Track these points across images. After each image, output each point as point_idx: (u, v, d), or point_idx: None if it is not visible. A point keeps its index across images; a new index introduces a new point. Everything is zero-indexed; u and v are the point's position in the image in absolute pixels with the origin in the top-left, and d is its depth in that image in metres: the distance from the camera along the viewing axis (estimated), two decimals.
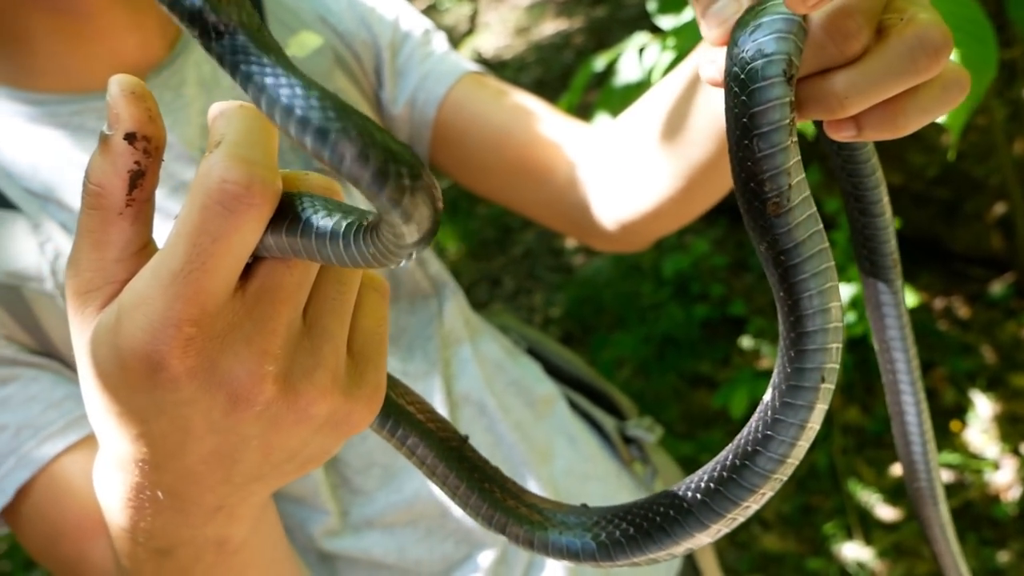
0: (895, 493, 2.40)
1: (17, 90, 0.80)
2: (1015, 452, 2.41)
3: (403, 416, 0.49)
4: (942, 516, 0.65)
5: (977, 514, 2.31)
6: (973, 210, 2.81)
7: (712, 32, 0.42)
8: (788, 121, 0.38)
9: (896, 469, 2.41)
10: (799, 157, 0.38)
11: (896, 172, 2.81)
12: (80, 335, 0.40)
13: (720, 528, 0.42)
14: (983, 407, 2.54)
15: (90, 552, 0.70)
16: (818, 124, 0.49)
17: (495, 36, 5.56)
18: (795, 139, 0.38)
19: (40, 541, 0.73)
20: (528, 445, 0.96)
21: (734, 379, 2.46)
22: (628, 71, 1.28)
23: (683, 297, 3.19)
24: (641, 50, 1.28)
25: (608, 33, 4.83)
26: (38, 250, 0.75)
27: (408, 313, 0.97)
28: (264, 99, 0.34)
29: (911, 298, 2.07)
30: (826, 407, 0.39)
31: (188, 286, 0.35)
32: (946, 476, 2.40)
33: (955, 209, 2.83)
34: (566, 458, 0.99)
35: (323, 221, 0.36)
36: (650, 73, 1.23)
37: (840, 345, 0.39)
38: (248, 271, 0.38)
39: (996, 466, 2.41)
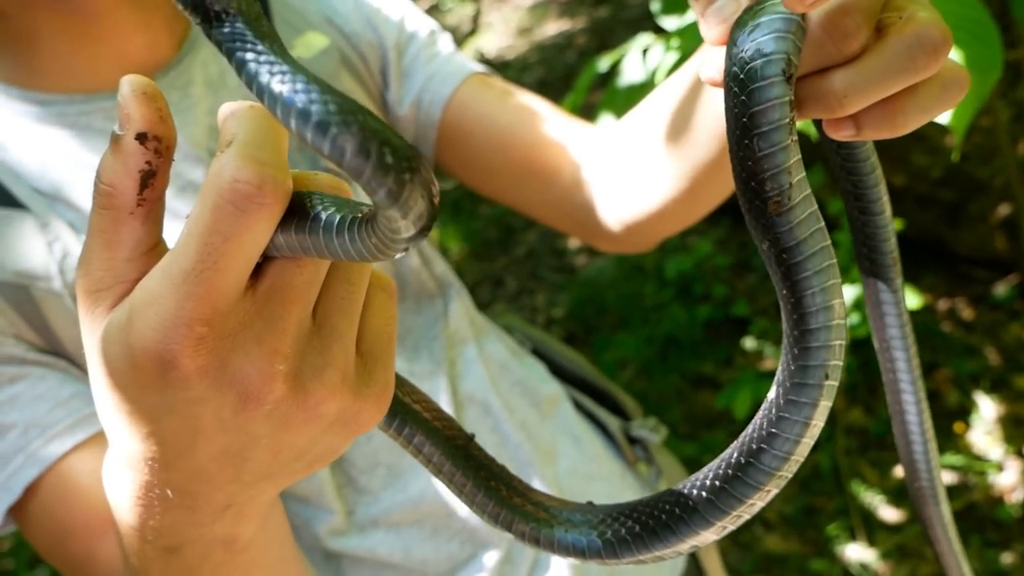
0: (898, 494, 2.40)
1: (25, 90, 0.81)
2: (1019, 454, 2.41)
3: (410, 414, 0.49)
4: (944, 516, 0.65)
5: (981, 516, 2.31)
6: (977, 211, 2.81)
7: (712, 32, 0.42)
8: (788, 120, 0.38)
9: (899, 470, 2.41)
10: (799, 156, 0.38)
11: (900, 173, 2.81)
12: (91, 334, 0.40)
13: (725, 525, 0.42)
14: (987, 409, 2.54)
15: (97, 550, 0.71)
16: (818, 123, 0.49)
17: (498, 36, 5.57)
18: (795, 138, 0.38)
19: (48, 539, 0.74)
20: (533, 445, 0.96)
21: (737, 380, 2.45)
22: (632, 72, 1.28)
23: (686, 298, 3.19)
24: (645, 51, 1.28)
25: (611, 33, 4.84)
26: (46, 249, 0.76)
27: (414, 313, 0.97)
28: (264, 92, 0.34)
29: (915, 299, 2.07)
30: (830, 404, 0.39)
31: (200, 285, 0.35)
32: (950, 478, 2.39)
33: (959, 210, 2.83)
34: (571, 458, 0.99)
35: (327, 216, 0.36)
36: (654, 74, 1.24)
37: (843, 342, 0.39)
38: (258, 271, 0.38)
39: (1000, 468, 2.41)
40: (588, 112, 1.17)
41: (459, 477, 0.51)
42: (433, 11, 5.82)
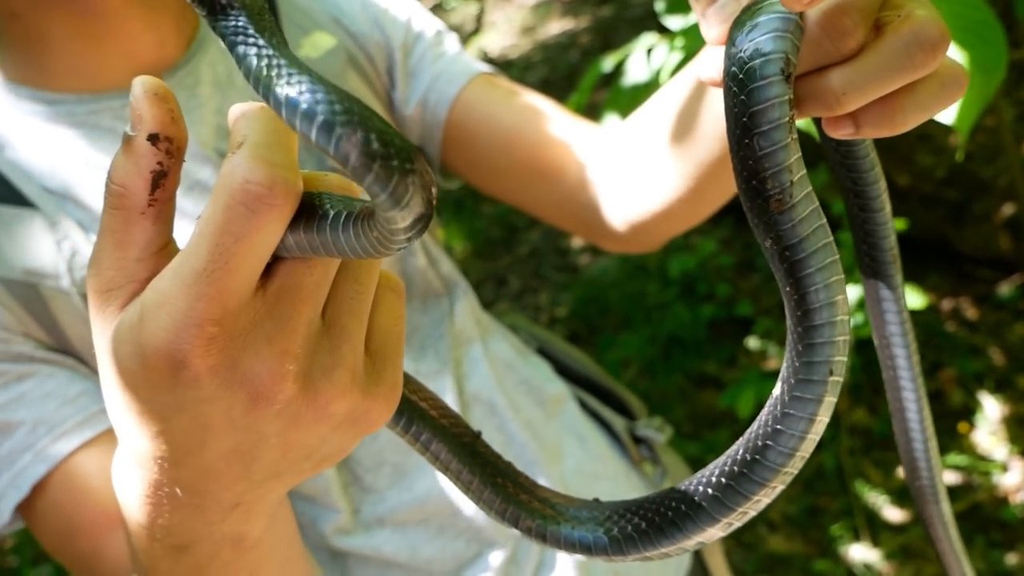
0: (902, 495, 2.40)
1: (34, 89, 0.81)
2: (1023, 454, 2.41)
3: (417, 412, 0.50)
4: (944, 514, 0.65)
5: (985, 516, 2.30)
6: (981, 211, 2.81)
7: (713, 31, 0.42)
8: (788, 119, 0.38)
9: (903, 470, 2.41)
10: (800, 154, 0.38)
11: (904, 173, 2.81)
12: (102, 333, 0.40)
13: (732, 522, 0.42)
14: (991, 409, 2.54)
15: (105, 547, 0.71)
16: (817, 121, 0.49)
17: (501, 35, 5.57)
18: (795, 136, 0.38)
19: (55, 536, 0.74)
20: (538, 444, 0.96)
21: (741, 380, 2.45)
22: (636, 72, 1.28)
23: (689, 297, 3.19)
24: (649, 51, 1.28)
25: (614, 33, 4.84)
26: (55, 248, 0.76)
27: (420, 312, 0.98)
28: (258, 84, 0.35)
29: (919, 299, 2.07)
30: (835, 400, 0.39)
31: (211, 285, 0.35)
32: (954, 478, 2.39)
33: (963, 210, 2.83)
34: (576, 458, 1.00)
35: (333, 214, 0.36)
36: (658, 74, 1.24)
37: (847, 338, 0.39)
38: (268, 271, 0.38)
39: (1004, 468, 2.40)
40: (592, 112, 1.18)
41: (466, 474, 0.51)
42: (437, 10, 5.82)
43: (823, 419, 0.39)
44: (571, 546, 0.49)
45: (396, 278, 0.45)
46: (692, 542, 0.44)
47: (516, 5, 5.84)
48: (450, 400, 0.93)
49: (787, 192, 0.38)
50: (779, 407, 0.40)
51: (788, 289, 0.39)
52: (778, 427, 0.40)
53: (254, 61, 0.36)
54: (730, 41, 0.39)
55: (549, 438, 0.99)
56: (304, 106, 0.32)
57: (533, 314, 3.46)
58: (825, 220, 0.39)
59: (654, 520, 0.45)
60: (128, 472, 0.45)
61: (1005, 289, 2.80)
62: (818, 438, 0.40)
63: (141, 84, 0.36)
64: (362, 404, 0.41)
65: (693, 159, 0.81)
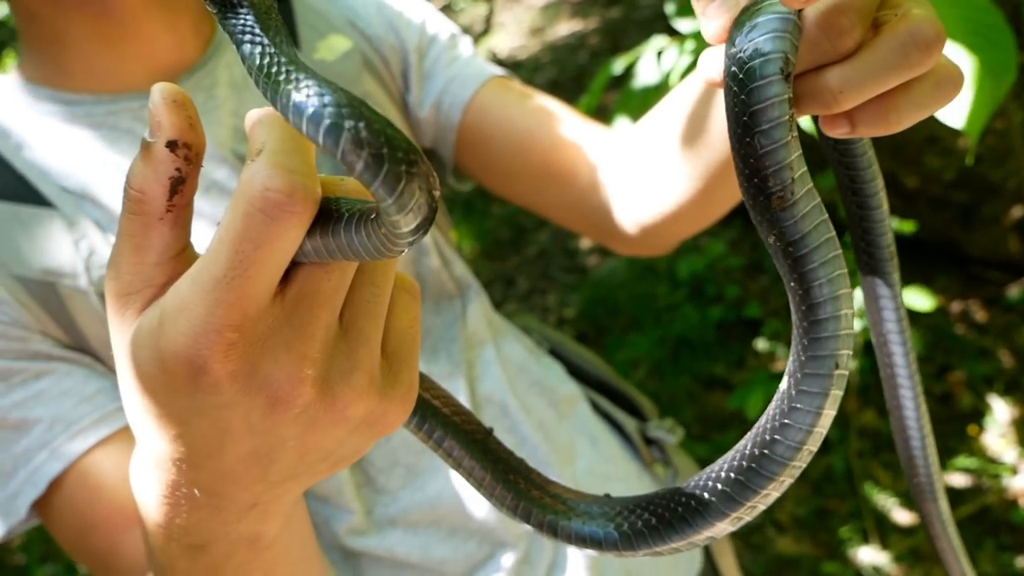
0: (911, 497, 2.39)
1: (53, 90, 0.83)
2: None
3: (430, 410, 0.50)
4: (942, 512, 0.65)
5: (995, 519, 2.30)
6: (990, 214, 2.80)
7: (712, 24, 0.42)
8: (788, 117, 0.39)
9: None
10: (800, 151, 0.39)
11: (913, 175, 2.80)
12: (120, 336, 0.41)
13: (741, 517, 0.43)
14: (1000, 411, 2.53)
15: (120, 544, 0.72)
16: (816, 120, 0.50)
17: (510, 36, 5.57)
18: (796, 134, 0.39)
19: (71, 533, 0.75)
20: (551, 446, 0.97)
21: (749, 381, 2.45)
22: (646, 74, 1.29)
23: (698, 299, 3.19)
24: (659, 53, 1.29)
25: (623, 34, 4.84)
26: (73, 247, 0.77)
27: (433, 314, 0.98)
28: (262, 84, 0.35)
29: (928, 301, 2.07)
30: (841, 394, 0.40)
31: (230, 292, 0.35)
32: (963, 481, 2.39)
33: (972, 213, 2.82)
34: (588, 458, 1.00)
35: (347, 217, 0.36)
36: (668, 76, 1.24)
37: (852, 331, 0.39)
38: (286, 276, 0.38)
39: (1014, 471, 2.40)
40: (601, 114, 1.18)
41: (478, 471, 0.51)
42: (446, 11, 5.83)
43: (830, 413, 0.40)
44: (582, 541, 0.49)
45: (411, 280, 0.45)
46: (702, 537, 0.44)
47: (525, 6, 5.84)
48: (462, 402, 0.93)
49: (788, 189, 0.38)
50: (786, 402, 0.40)
51: (792, 285, 0.40)
52: (785, 421, 0.40)
53: (258, 60, 0.37)
54: (730, 41, 0.40)
55: (561, 439, 0.99)
56: (309, 109, 0.32)
57: (541, 315, 3.46)
58: (827, 216, 0.39)
59: (664, 515, 0.45)
60: (146, 473, 0.46)
61: (1014, 291, 2.79)
62: (825, 432, 0.40)
63: (160, 91, 0.37)
64: (379, 407, 0.42)
65: (703, 161, 0.82)
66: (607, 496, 0.50)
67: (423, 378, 0.50)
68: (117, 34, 0.82)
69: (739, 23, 0.40)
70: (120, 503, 0.72)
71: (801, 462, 0.40)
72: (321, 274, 0.38)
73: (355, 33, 0.98)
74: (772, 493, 0.41)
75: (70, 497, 0.73)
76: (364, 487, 0.91)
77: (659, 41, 1.30)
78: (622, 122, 1.26)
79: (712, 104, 0.78)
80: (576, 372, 1.13)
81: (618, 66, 1.38)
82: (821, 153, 0.55)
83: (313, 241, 0.37)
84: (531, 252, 3.82)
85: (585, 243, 3.71)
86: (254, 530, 0.48)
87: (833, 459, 2.49)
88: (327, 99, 0.32)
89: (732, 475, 0.42)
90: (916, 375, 0.61)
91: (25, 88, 0.84)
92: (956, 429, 2.51)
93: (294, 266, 0.38)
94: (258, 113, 0.38)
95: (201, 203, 0.80)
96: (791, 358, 0.41)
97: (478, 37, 5.51)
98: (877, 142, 0.52)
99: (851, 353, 0.40)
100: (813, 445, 0.40)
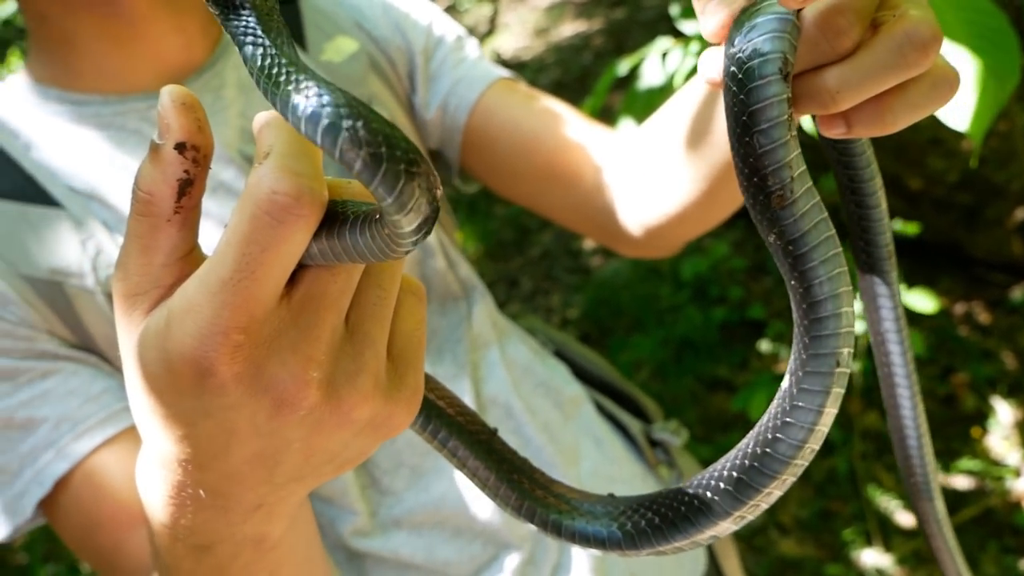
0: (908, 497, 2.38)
1: (61, 90, 0.83)
2: None
3: (434, 410, 0.50)
4: (938, 511, 0.65)
5: (998, 521, 2.29)
6: (994, 215, 2.80)
7: (711, 20, 0.42)
8: (786, 117, 0.39)
9: None
10: (799, 151, 0.39)
11: (917, 177, 2.80)
12: (128, 337, 0.41)
13: (743, 515, 0.43)
14: (1004, 413, 2.53)
15: (126, 543, 0.72)
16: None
17: (514, 37, 5.57)
18: (795, 133, 0.39)
19: (76, 532, 0.75)
20: (556, 447, 0.97)
21: (753, 383, 2.45)
22: (651, 76, 1.29)
23: (701, 300, 3.19)
24: (664, 55, 1.29)
25: (627, 35, 4.84)
26: (80, 247, 0.77)
27: (438, 315, 0.98)
28: (262, 85, 0.35)
29: (931, 303, 2.07)
30: (842, 391, 0.40)
31: (237, 294, 0.36)
32: (967, 483, 2.38)
33: (976, 214, 2.82)
34: (592, 460, 1.00)
35: (351, 220, 0.36)
36: (672, 78, 1.24)
37: (853, 329, 0.40)
38: (293, 279, 0.38)
39: (1017, 473, 2.39)
40: (605, 115, 1.18)
41: (483, 471, 0.51)
42: (450, 12, 5.83)
43: (831, 411, 0.40)
44: (585, 540, 0.49)
45: (417, 282, 0.46)
46: (705, 536, 0.45)
47: (529, 7, 5.84)
48: (467, 403, 0.94)
49: (788, 188, 0.39)
50: (788, 400, 0.41)
51: (793, 283, 0.40)
52: (787, 419, 0.40)
53: (260, 61, 0.37)
54: (729, 42, 0.40)
55: (566, 440, 0.99)
56: (308, 109, 0.32)
57: (545, 316, 3.46)
58: (827, 215, 0.39)
59: (667, 515, 0.46)
60: (152, 473, 0.46)
61: (1018, 293, 2.79)
62: (827, 430, 0.40)
63: (169, 93, 0.37)
64: (384, 409, 0.42)
65: (707, 162, 0.82)
66: (611, 495, 0.51)
67: (427, 378, 0.50)
68: (126, 35, 0.83)
69: (738, 23, 0.40)
70: (126, 503, 0.72)
71: (803, 460, 0.41)
72: (327, 277, 0.39)
73: (362, 35, 0.99)
74: (775, 491, 0.42)
75: (76, 496, 0.74)
76: (369, 488, 0.91)
77: (664, 42, 1.30)
78: (627, 124, 1.26)
79: (716, 106, 0.78)
80: (581, 373, 1.14)
81: (623, 67, 1.38)
82: (823, 155, 0.55)
83: (319, 243, 0.37)
84: (535, 253, 3.82)
85: (589, 244, 3.71)
86: (259, 531, 0.48)
87: (836, 461, 2.49)
88: (325, 99, 0.32)
89: (735, 474, 0.42)
90: (914, 374, 0.61)
91: (34, 88, 0.84)
92: (959, 431, 2.51)
93: (300, 268, 0.39)
94: (266, 116, 0.38)
95: (208, 203, 0.80)
96: (792, 356, 0.41)
97: (482, 38, 5.52)
98: (881, 143, 0.53)
99: (852, 351, 0.40)
100: (815, 443, 0.40)
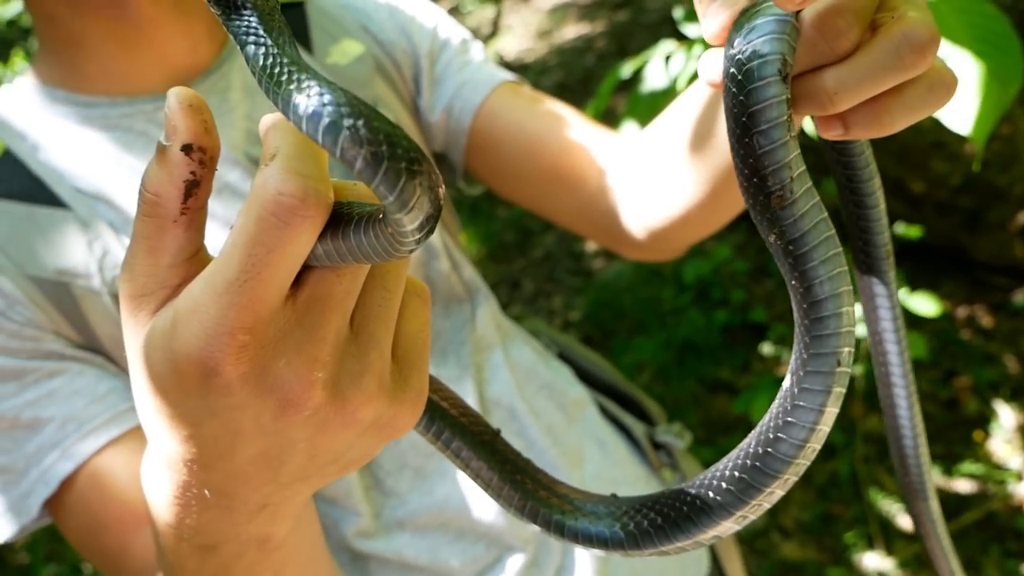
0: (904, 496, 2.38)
1: (69, 92, 0.84)
2: None
3: (438, 411, 0.50)
4: (933, 511, 0.66)
5: (1000, 525, 2.29)
6: (996, 219, 2.79)
7: (712, 22, 0.42)
8: (786, 117, 0.39)
9: None
10: (799, 151, 0.39)
11: (919, 180, 2.80)
12: (134, 337, 0.41)
13: (745, 515, 0.43)
14: (1006, 417, 2.53)
15: (131, 543, 0.72)
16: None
17: (517, 39, 5.58)
18: (794, 134, 0.39)
19: (82, 532, 0.75)
20: (559, 449, 0.97)
21: (754, 385, 2.45)
22: (655, 78, 1.29)
23: (704, 302, 3.19)
24: (667, 58, 1.29)
25: (630, 37, 4.84)
26: (87, 248, 0.78)
27: (442, 317, 0.99)
28: (264, 85, 0.35)
29: (934, 307, 2.07)
30: (843, 391, 0.40)
31: (243, 295, 0.36)
32: (969, 487, 2.38)
33: (978, 218, 2.82)
34: (596, 462, 1.00)
35: (355, 220, 0.36)
36: (676, 81, 1.24)
37: (853, 329, 0.40)
38: (298, 280, 0.39)
39: (1020, 477, 2.39)
40: (608, 117, 1.18)
41: (486, 471, 0.52)
42: (454, 13, 5.84)
43: (832, 410, 0.40)
44: (588, 540, 0.49)
45: (422, 284, 0.46)
46: (707, 536, 0.45)
47: (532, 9, 5.85)
48: (470, 405, 0.94)
49: (787, 188, 0.39)
50: (789, 400, 0.41)
51: (794, 283, 0.40)
52: (788, 419, 0.40)
53: (261, 61, 0.37)
54: (728, 43, 0.40)
55: (570, 443, 0.99)
56: (309, 108, 0.33)
57: (547, 318, 3.46)
58: (827, 215, 0.40)
59: (669, 515, 0.46)
60: (157, 473, 0.46)
61: (1020, 297, 2.79)
62: (828, 429, 0.41)
63: (176, 95, 0.37)
64: (389, 410, 0.42)
65: (711, 165, 0.82)
66: (614, 496, 0.51)
67: (431, 380, 0.51)
68: (133, 37, 0.83)
69: (738, 25, 0.40)
70: (131, 503, 0.72)
71: (805, 460, 0.41)
72: (332, 278, 0.39)
73: (367, 38, 0.99)
74: (777, 491, 0.42)
75: (81, 496, 0.74)
76: (372, 490, 0.91)
77: (667, 45, 1.30)
78: (630, 127, 1.26)
79: (719, 108, 0.79)
80: (585, 376, 1.14)
81: (626, 70, 1.38)
82: (823, 158, 0.55)
83: (324, 245, 0.37)
84: (537, 255, 3.83)
85: (591, 246, 3.71)
86: (264, 531, 0.48)
87: (838, 464, 2.49)
88: (327, 98, 0.32)
89: (736, 474, 0.42)
90: (910, 374, 0.61)
91: (41, 90, 0.85)
92: (962, 435, 2.51)
93: (306, 269, 0.39)
94: (272, 118, 0.38)
95: (214, 205, 0.81)
96: (793, 356, 0.41)
97: (485, 40, 5.52)
98: (883, 146, 0.53)
99: (853, 350, 0.40)
100: (816, 442, 0.40)
